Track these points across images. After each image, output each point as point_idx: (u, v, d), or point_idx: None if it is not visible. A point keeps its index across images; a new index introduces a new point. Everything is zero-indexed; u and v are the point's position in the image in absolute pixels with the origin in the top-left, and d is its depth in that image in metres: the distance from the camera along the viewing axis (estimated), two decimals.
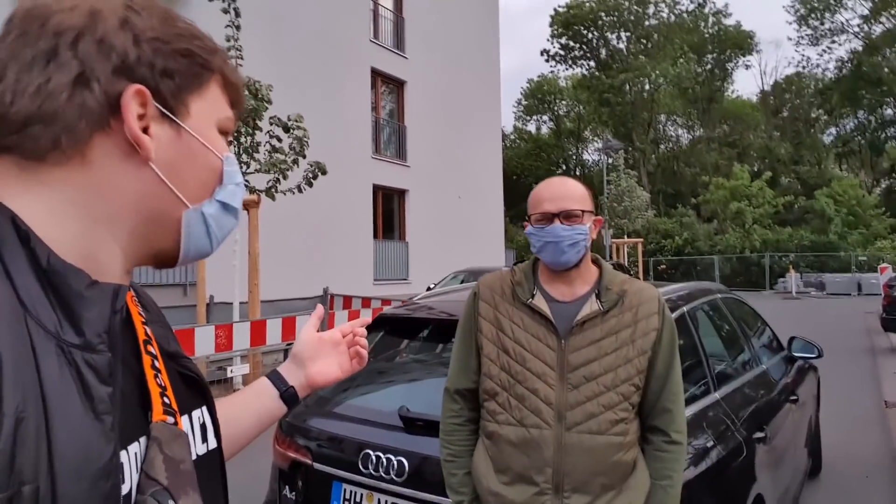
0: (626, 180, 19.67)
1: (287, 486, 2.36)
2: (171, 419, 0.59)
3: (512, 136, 44.91)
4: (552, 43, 42.12)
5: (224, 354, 5.71)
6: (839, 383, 6.77)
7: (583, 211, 1.55)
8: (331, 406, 2.43)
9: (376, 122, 15.32)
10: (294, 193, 7.18)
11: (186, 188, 0.62)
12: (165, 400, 0.60)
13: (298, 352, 0.99)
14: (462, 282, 10.74)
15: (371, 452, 2.09)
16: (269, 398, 0.94)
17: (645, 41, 40.47)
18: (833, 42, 40.04)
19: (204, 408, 0.71)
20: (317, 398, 2.46)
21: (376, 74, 15.14)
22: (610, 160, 22.14)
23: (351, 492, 2.15)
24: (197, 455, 0.66)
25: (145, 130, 0.58)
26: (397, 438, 2.10)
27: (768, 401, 2.95)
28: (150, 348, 0.63)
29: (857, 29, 36.45)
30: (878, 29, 36.26)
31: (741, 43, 39.98)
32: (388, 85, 15.97)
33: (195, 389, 0.70)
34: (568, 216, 1.53)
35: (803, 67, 40.93)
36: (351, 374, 1.02)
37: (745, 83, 73.58)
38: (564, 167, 44.63)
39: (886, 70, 34.89)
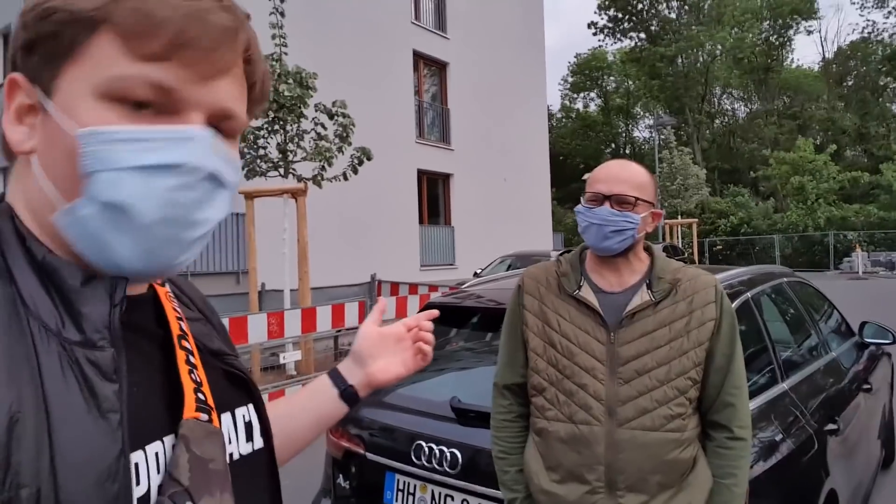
0: (680, 157, 18.97)
1: (341, 475, 2.38)
2: (204, 416, 0.57)
3: (558, 115, 43.97)
4: (600, 15, 40.81)
5: (276, 341, 5.84)
6: None
7: (637, 199, 1.45)
8: (382, 395, 2.43)
9: (419, 105, 15.26)
10: (340, 181, 7.23)
11: (59, 181, 0.52)
12: (200, 396, 0.58)
13: (358, 348, 0.93)
14: (509, 266, 10.65)
15: (423, 444, 2.08)
16: (328, 397, 0.89)
17: (697, 10, 38.65)
18: None
19: (250, 405, 0.68)
20: None
21: (418, 57, 15.05)
22: (662, 136, 21.39)
23: (404, 482, 2.15)
24: (240, 454, 0.64)
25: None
26: (449, 430, 2.08)
27: (839, 390, 2.79)
28: (185, 343, 0.61)
29: None
30: None
31: (800, 7, 37.67)
32: (430, 67, 15.86)
33: (241, 387, 0.68)
34: (620, 201, 1.44)
35: (869, 33, 38.25)
36: (415, 371, 0.94)
37: (805, 52, 69.01)
38: (613, 146, 43.46)
39: None
